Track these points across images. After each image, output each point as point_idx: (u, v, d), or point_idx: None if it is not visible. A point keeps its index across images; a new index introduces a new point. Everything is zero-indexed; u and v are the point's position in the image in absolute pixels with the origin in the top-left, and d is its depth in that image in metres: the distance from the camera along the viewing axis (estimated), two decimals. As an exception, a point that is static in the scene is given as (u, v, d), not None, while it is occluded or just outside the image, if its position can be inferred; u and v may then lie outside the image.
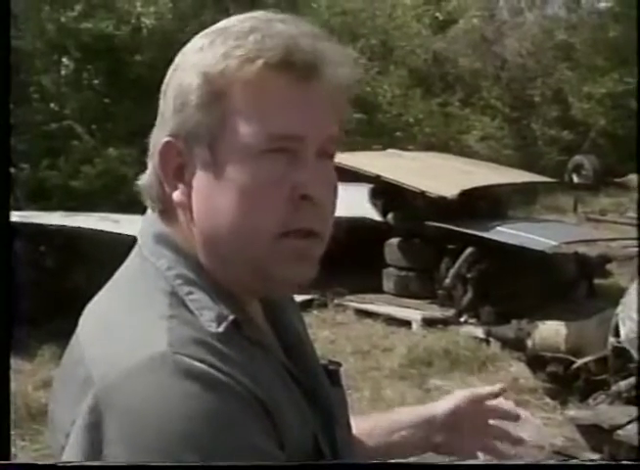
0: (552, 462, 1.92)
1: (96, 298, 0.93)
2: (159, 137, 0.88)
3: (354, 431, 1.04)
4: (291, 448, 0.83)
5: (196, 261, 0.88)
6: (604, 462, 1.76)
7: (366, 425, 1.18)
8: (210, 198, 0.86)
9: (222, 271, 0.88)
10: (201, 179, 0.86)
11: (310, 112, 0.86)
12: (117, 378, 0.78)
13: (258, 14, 0.90)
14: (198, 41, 0.89)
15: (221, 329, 0.83)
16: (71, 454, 0.79)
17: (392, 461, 1.16)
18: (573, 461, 1.95)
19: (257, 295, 0.93)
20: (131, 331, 0.83)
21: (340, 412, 0.99)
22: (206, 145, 0.85)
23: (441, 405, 1.21)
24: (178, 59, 0.90)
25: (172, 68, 0.90)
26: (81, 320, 0.92)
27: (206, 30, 0.90)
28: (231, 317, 0.84)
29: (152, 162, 0.90)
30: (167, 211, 0.90)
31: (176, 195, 0.87)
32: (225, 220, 0.85)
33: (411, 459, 1.15)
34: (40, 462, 0.77)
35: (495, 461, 1.21)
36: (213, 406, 0.77)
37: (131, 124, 10.62)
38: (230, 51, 0.85)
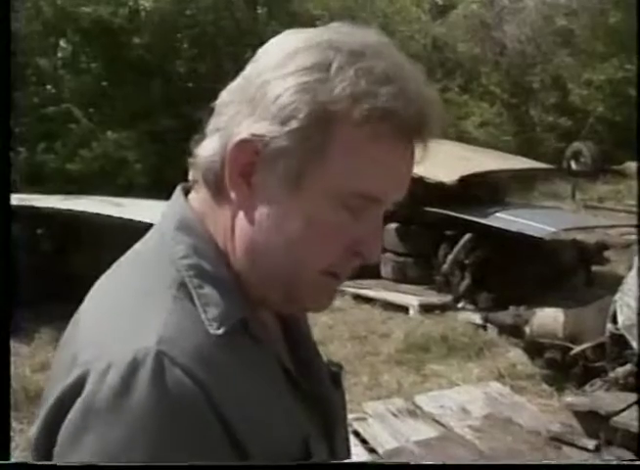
0: (552, 462, 1.92)
1: (106, 275, 0.92)
2: (238, 122, 0.84)
3: None
4: (270, 454, 0.82)
5: (218, 252, 0.87)
6: (604, 463, 1.77)
7: None
8: (277, 215, 0.85)
9: (254, 279, 0.87)
10: (271, 192, 0.84)
11: (399, 178, 0.87)
12: (97, 365, 0.77)
13: (378, 39, 0.86)
14: (317, 54, 0.83)
15: (221, 331, 0.81)
16: (38, 426, 0.79)
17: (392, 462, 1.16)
18: (573, 462, 1.95)
19: (272, 306, 0.93)
20: (128, 319, 0.81)
21: (339, 414, 1.00)
22: (293, 168, 0.83)
23: None
24: (287, 60, 0.83)
25: (281, 64, 0.83)
26: (87, 297, 0.90)
27: (325, 39, 0.84)
28: (238, 316, 0.84)
29: (219, 137, 0.86)
30: (212, 193, 0.88)
31: (236, 194, 0.85)
32: (283, 242, 0.85)
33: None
34: (40, 462, 0.76)
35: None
36: (169, 421, 0.75)
37: (129, 108, 10.60)
38: (359, 98, 0.81)
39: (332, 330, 6.34)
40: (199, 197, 0.90)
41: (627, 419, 4.01)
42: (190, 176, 0.92)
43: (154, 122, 10.11)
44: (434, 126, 0.85)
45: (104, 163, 9.80)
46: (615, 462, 1.66)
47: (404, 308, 6.66)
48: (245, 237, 0.86)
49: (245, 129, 0.83)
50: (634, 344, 4.34)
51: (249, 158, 0.83)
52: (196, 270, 0.85)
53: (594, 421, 4.14)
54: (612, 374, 4.49)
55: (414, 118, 0.83)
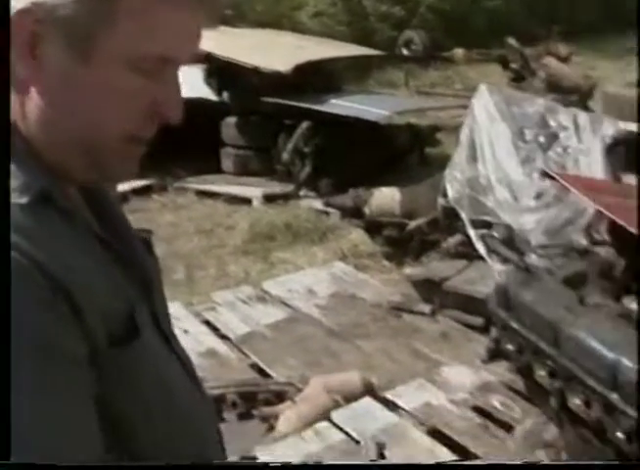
0: (552, 462, 2.04)
1: None
2: None
3: None
4: (101, 322, 0.82)
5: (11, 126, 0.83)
6: (603, 463, 1.90)
7: None
8: (68, 86, 0.82)
9: (52, 149, 0.85)
10: (59, 62, 0.81)
11: (190, 36, 0.86)
12: None
13: None
14: None
15: (24, 201, 0.79)
16: None
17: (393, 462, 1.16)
18: (573, 462, 2.08)
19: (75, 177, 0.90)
20: None
21: (156, 280, 1.00)
22: (81, 36, 0.80)
23: None
24: None
25: None
26: None
27: None
28: (38, 186, 0.81)
29: None
30: None
31: (22, 67, 0.81)
32: (78, 111, 0.83)
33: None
34: (40, 463, 0.72)
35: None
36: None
37: None
38: None
39: (176, 227, 6.30)
40: None
41: (458, 283, 4.33)
42: None
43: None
44: None
45: None
46: (615, 462, 1.79)
47: (248, 201, 6.70)
48: (37, 110, 0.83)
49: None
50: (463, 215, 4.61)
51: (30, 27, 0.80)
52: None
53: (429, 288, 4.43)
54: (444, 245, 4.77)
55: None
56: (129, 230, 1.01)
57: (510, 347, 2.61)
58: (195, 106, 6.59)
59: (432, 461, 3.13)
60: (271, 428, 3.47)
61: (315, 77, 7.15)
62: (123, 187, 6.54)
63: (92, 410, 0.79)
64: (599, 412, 2.25)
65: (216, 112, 7.23)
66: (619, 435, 2.14)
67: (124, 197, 6.42)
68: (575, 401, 2.35)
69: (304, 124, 6.60)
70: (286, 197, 6.64)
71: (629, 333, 2.28)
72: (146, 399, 0.88)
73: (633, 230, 2.25)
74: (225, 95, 7.37)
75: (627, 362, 2.17)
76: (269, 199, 6.62)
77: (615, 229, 2.54)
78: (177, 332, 1.06)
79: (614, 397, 2.18)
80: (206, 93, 7.39)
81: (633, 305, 2.34)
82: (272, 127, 6.92)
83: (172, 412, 0.93)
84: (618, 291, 2.45)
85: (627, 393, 2.15)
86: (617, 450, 2.22)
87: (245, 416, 3.58)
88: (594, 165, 4.57)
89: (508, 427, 3.21)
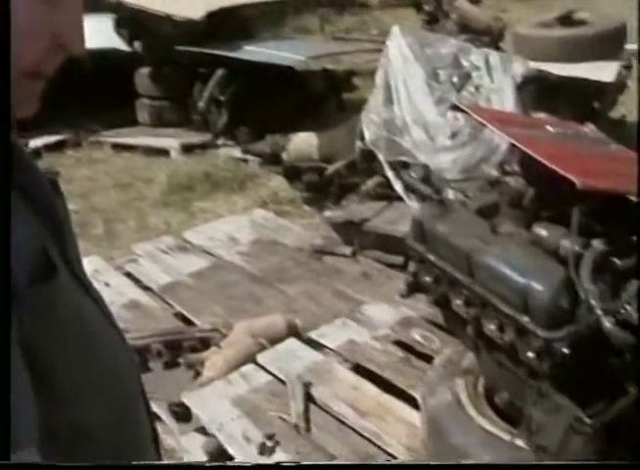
0: (552, 462, 2.05)
1: None
2: None
3: None
4: (19, 261, 0.80)
5: None
6: (604, 462, 1.91)
7: None
8: None
9: None
10: None
11: None
12: None
13: None
14: None
15: None
16: None
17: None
18: (574, 461, 2.09)
19: None
20: None
21: (66, 223, 0.99)
22: None
23: None
24: None
25: None
26: None
27: None
28: None
29: None
30: None
31: None
32: None
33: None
34: (40, 463, 0.70)
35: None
36: None
37: None
38: None
39: (93, 182, 6.17)
40: None
41: (377, 223, 4.39)
42: None
43: None
44: None
45: None
46: (615, 462, 1.81)
47: (165, 152, 6.59)
48: None
49: None
50: (381, 157, 4.64)
51: None
52: None
53: (350, 230, 4.48)
54: (363, 187, 4.82)
55: None
56: (37, 171, 0.98)
57: (427, 279, 2.67)
58: (106, 57, 6.52)
59: (356, 396, 3.21)
60: (198, 374, 3.48)
61: (229, 24, 7.02)
62: (35, 143, 6.36)
63: (18, 351, 0.78)
64: (512, 335, 2.33)
65: (129, 62, 7.04)
66: (530, 354, 2.22)
67: (37, 153, 6.23)
68: (490, 327, 2.42)
69: (219, 72, 6.49)
70: (204, 146, 6.56)
71: (539, 259, 2.36)
72: (65, 339, 0.88)
73: (541, 160, 2.31)
74: (137, 45, 7.18)
75: (537, 286, 2.25)
76: (187, 149, 6.53)
77: (524, 160, 2.59)
78: (99, 285, 1.05)
79: (525, 319, 2.26)
80: (118, 43, 7.19)
81: (543, 232, 2.41)
82: (187, 76, 6.78)
83: (92, 352, 0.93)
84: (529, 219, 2.51)
85: (537, 315, 2.23)
86: (529, 370, 2.31)
87: (171, 365, 3.58)
88: (505, 103, 4.66)
89: (429, 358, 3.30)
